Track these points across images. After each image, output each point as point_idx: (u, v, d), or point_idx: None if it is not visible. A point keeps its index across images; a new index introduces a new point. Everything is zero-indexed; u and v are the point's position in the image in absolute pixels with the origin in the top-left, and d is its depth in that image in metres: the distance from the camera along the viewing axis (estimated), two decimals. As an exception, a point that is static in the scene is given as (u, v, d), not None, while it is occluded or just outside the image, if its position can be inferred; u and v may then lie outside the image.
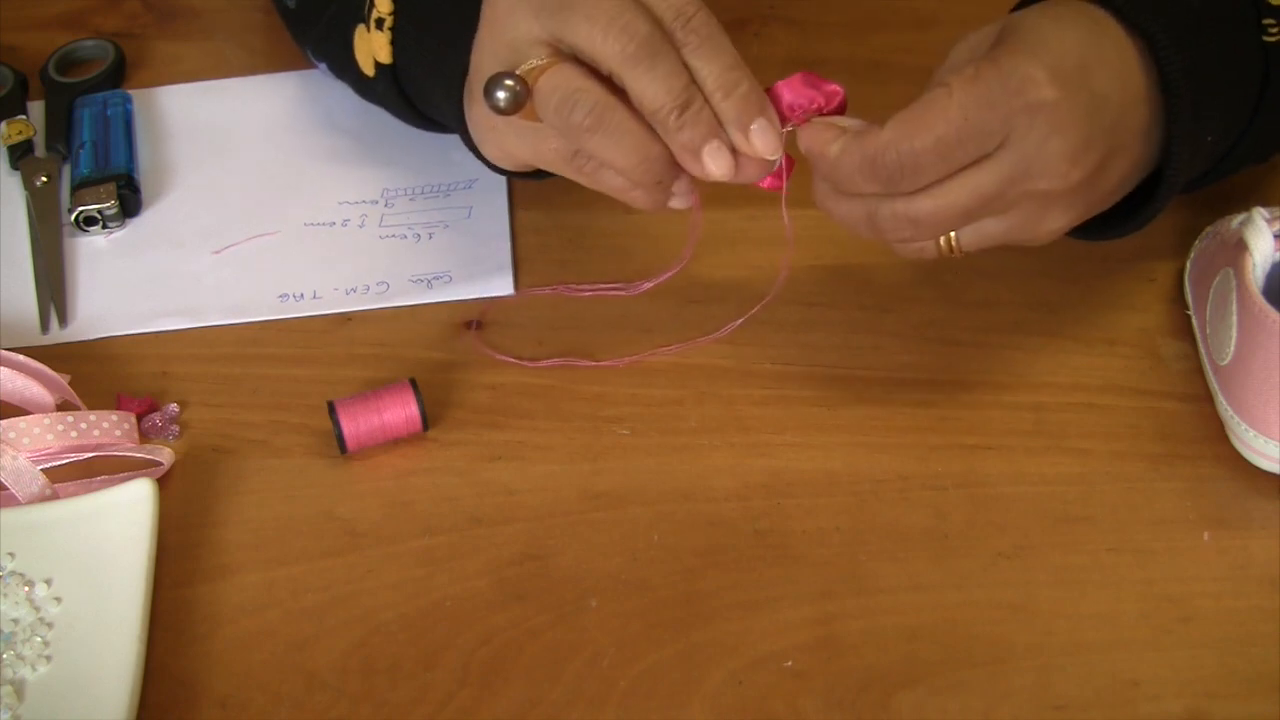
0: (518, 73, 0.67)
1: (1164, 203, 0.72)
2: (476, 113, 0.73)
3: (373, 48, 0.80)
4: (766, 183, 0.70)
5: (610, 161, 0.68)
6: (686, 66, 0.67)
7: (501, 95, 0.66)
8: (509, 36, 0.68)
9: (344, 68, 0.86)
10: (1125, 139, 0.69)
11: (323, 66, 0.89)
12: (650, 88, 0.66)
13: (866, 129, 0.67)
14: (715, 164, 0.67)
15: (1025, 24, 0.68)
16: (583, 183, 0.71)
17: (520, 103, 0.66)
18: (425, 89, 0.80)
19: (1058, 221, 0.69)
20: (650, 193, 0.70)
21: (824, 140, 0.68)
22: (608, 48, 0.66)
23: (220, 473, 0.76)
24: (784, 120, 0.69)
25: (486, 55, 0.70)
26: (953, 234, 0.69)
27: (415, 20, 0.79)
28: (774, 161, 0.69)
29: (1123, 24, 0.69)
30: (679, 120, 0.66)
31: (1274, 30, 0.73)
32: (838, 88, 0.70)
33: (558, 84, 0.67)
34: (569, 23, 0.66)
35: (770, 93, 0.69)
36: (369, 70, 0.82)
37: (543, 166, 0.73)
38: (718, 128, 0.67)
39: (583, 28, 0.66)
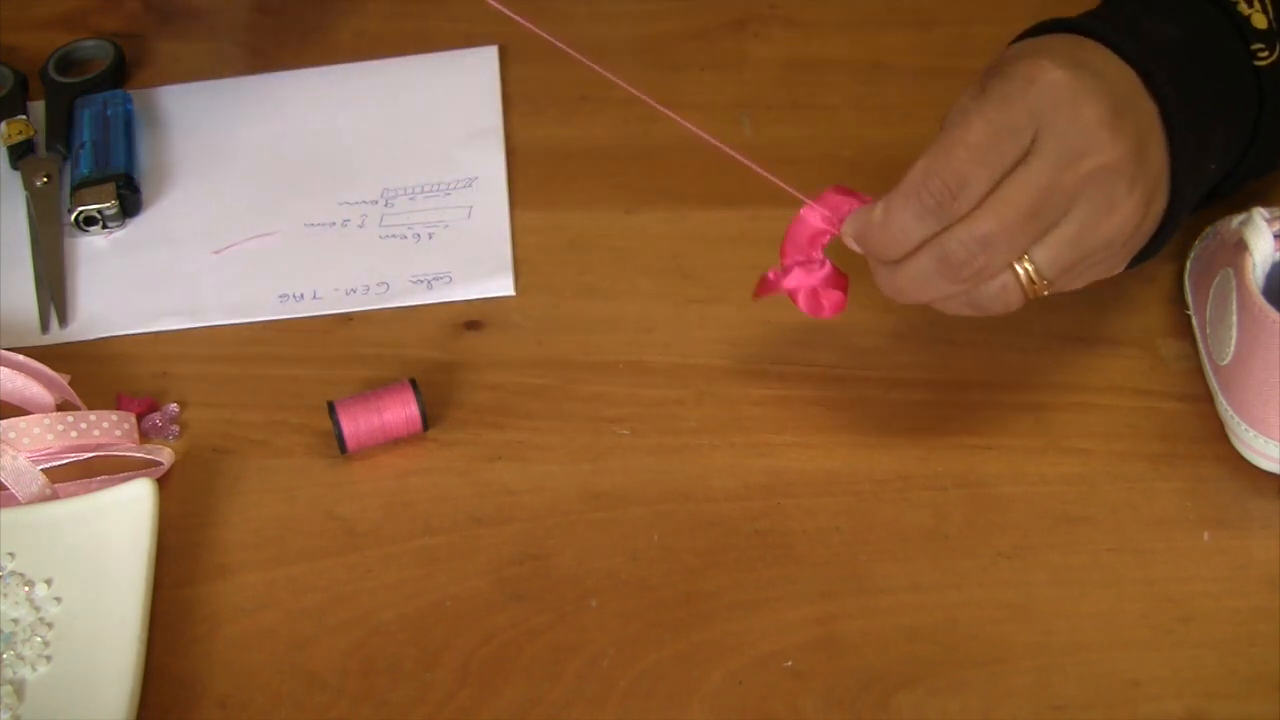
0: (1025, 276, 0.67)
1: (1175, 224, 0.71)
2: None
3: None
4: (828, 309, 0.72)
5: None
6: None
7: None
8: None
9: None
10: (1147, 118, 0.68)
11: None
12: None
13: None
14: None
15: (1008, 52, 0.69)
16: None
17: None
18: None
19: (1125, 204, 0.66)
20: None
21: (865, 215, 0.67)
22: None
23: (220, 473, 0.76)
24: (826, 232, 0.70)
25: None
26: (1029, 264, 0.66)
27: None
28: None
29: (1115, 54, 0.68)
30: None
31: (1263, 55, 0.73)
32: (868, 197, 0.70)
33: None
34: None
35: (817, 204, 0.70)
36: None
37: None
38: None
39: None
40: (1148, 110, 0.68)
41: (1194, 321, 0.78)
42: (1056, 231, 0.66)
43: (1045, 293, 0.67)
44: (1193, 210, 0.75)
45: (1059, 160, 0.65)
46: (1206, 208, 0.78)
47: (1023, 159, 0.65)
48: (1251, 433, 0.71)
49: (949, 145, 0.64)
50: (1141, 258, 0.72)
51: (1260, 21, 0.73)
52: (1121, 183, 0.66)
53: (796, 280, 0.71)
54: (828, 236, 0.70)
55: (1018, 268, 0.66)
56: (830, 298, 0.71)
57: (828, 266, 0.71)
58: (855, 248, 0.69)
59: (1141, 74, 0.68)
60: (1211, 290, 0.75)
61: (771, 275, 0.72)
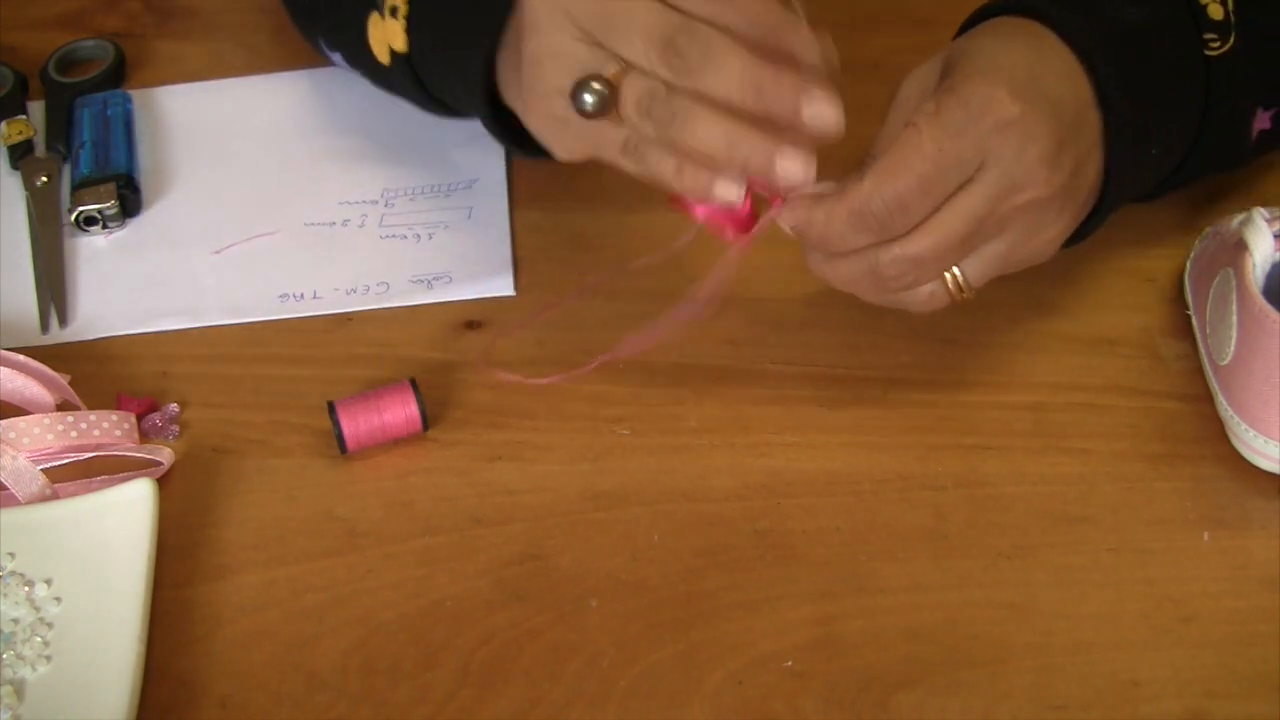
0: (606, 76, 0.68)
1: (1108, 210, 0.73)
2: (540, 109, 0.72)
3: (387, 36, 0.81)
4: (734, 228, 0.71)
5: (696, 149, 0.68)
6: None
7: (589, 99, 0.67)
8: (564, 51, 0.69)
9: (358, 57, 0.86)
10: (1089, 137, 0.70)
11: (336, 56, 0.89)
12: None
13: (844, 187, 0.68)
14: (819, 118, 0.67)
15: (970, 48, 0.70)
16: (632, 170, 0.70)
17: (607, 106, 0.68)
18: (443, 77, 0.80)
19: (1053, 228, 0.70)
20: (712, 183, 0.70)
21: (807, 210, 0.69)
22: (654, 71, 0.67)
23: (220, 473, 0.76)
24: (757, 200, 0.70)
25: (548, 66, 0.70)
26: (957, 271, 0.69)
27: (430, 7, 0.79)
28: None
29: (1060, 38, 0.70)
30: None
31: (1215, 44, 0.74)
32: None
33: (639, 84, 0.67)
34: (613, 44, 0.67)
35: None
36: (384, 59, 0.82)
37: (599, 157, 0.72)
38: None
39: (625, 49, 0.67)
40: (1092, 125, 0.70)
41: (1194, 321, 0.78)
42: (987, 248, 0.70)
43: (970, 297, 0.70)
44: (1152, 196, 0.78)
45: (997, 191, 0.67)
46: (1159, 197, 0.79)
47: (963, 186, 0.67)
48: (1251, 433, 0.71)
49: (897, 170, 0.66)
50: (1090, 228, 0.74)
51: (1216, 12, 0.74)
52: (1051, 211, 0.70)
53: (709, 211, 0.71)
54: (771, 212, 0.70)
55: (947, 275, 0.70)
56: (740, 230, 0.71)
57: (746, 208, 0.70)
58: (788, 232, 0.70)
59: (1081, 54, 0.70)
60: (1211, 290, 0.75)
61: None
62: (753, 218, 0.71)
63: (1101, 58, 0.70)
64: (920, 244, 0.68)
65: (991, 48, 0.70)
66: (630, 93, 0.67)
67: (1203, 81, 0.74)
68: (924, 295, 0.70)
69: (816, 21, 0.96)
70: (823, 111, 0.66)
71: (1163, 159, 0.75)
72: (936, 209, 0.67)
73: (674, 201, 0.71)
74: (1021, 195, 0.68)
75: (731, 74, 0.66)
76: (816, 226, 0.68)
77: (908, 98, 0.72)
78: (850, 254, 0.69)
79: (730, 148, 0.66)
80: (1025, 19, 0.71)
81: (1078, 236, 0.74)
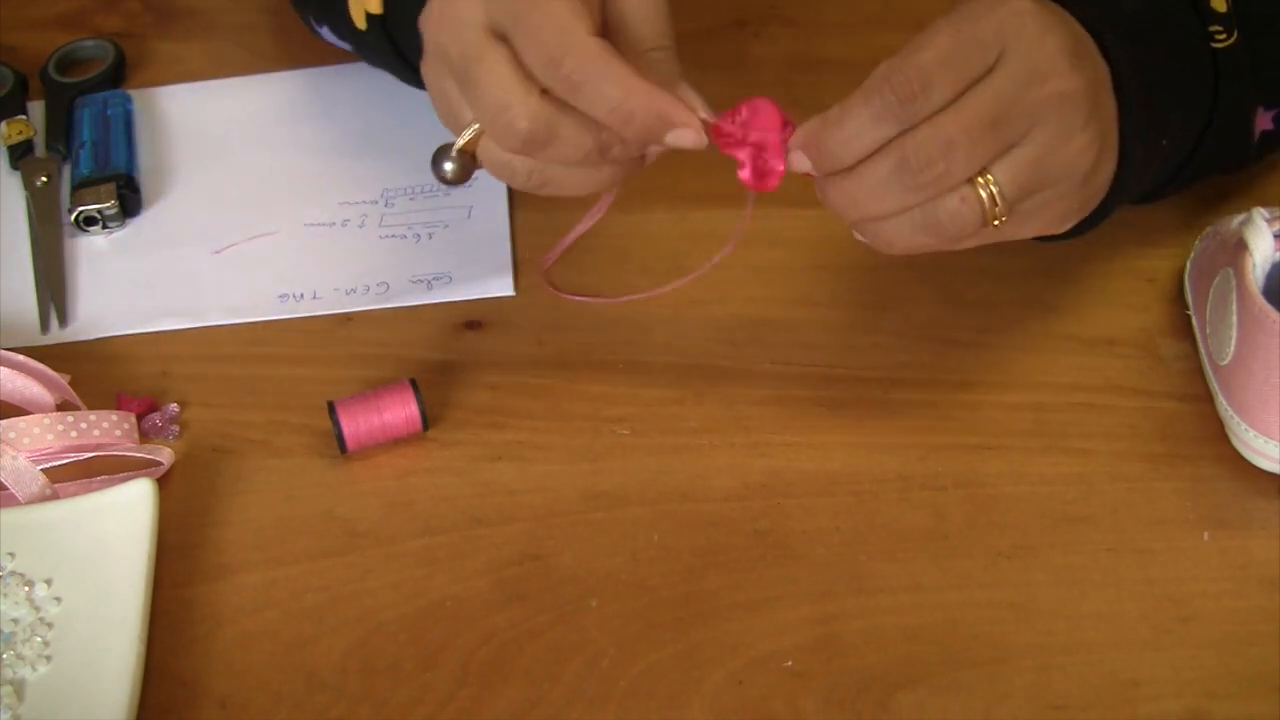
0: (460, 145, 0.67)
1: (1120, 196, 0.71)
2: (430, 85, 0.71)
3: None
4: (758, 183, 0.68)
5: (565, 192, 0.69)
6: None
7: (449, 167, 0.68)
8: (461, 17, 0.67)
9: (340, 26, 0.86)
10: (1100, 73, 0.68)
11: (325, 30, 0.89)
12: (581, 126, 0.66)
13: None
14: (678, 140, 0.67)
15: None
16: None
17: (468, 173, 0.68)
18: (413, 37, 0.79)
19: (1081, 135, 0.66)
20: (612, 172, 0.69)
21: (817, 119, 0.65)
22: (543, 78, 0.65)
23: (220, 473, 0.76)
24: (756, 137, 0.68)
25: (433, 29, 0.68)
26: (990, 180, 0.65)
27: None
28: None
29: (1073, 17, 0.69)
30: (612, 154, 0.67)
31: (1221, 36, 0.74)
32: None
33: (492, 156, 0.67)
34: (516, 35, 0.65)
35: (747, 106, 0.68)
36: (361, 24, 0.82)
37: None
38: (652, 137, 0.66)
39: (525, 47, 0.65)
40: (1101, 67, 0.68)
41: (1194, 321, 0.78)
42: (1017, 150, 0.65)
43: (1001, 221, 0.66)
44: (1152, 199, 0.77)
45: (1023, 77, 0.64)
46: (1165, 197, 0.79)
47: (986, 74, 0.64)
48: (1251, 433, 0.71)
49: (915, 48, 0.64)
50: (1087, 225, 0.72)
51: (1220, 4, 0.74)
52: (1079, 114, 0.66)
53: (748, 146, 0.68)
54: (789, 130, 0.67)
55: (979, 183, 0.65)
56: (777, 167, 0.67)
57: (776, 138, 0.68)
58: (803, 163, 0.66)
59: (1094, 35, 0.68)
60: (1211, 290, 0.75)
61: (724, 125, 0.68)
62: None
63: (1110, 35, 0.69)
64: (949, 124, 0.63)
65: None
66: (487, 160, 0.68)
67: (1210, 71, 0.74)
68: (954, 202, 0.65)
69: (816, 23, 0.97)
70: (682, 135, 0.66)
71: (1171, 148, 0.74)
72: (961, 93, 0.64)
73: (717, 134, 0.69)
74: (1047, 84, 0.64)
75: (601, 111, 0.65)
76: (831, 124, 0.64)
77: None
78: (874, 156, 0.64)
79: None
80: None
81: (1089, 224, 0.71)
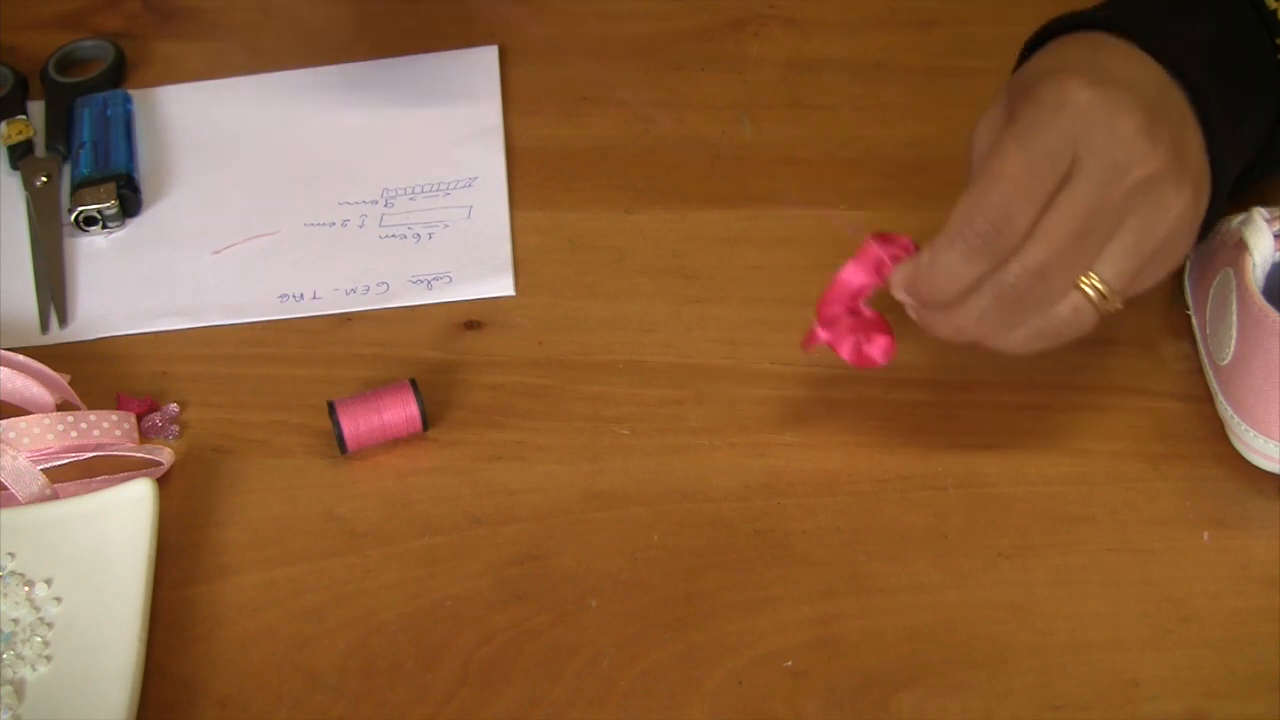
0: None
1: (1220, 211, 0.70)
2: None
3: None
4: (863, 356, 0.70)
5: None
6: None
7: None
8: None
9: None
10: (1178, 110, 0.67)
11: None
12: None
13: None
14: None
15: (1026, 69, 0.68)
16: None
17: None
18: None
19: (1176, 202, 0.65)
20: None
21: (911, 265, 0.66)
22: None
23: (220, 473, 0.76)
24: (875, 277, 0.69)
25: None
26: (1094, 277, 0.65)
27: None
28: None
29: (1115, 36, 0.68)
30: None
31: None
32: (907, 239, 0.69)
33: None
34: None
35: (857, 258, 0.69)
36: None
37: None
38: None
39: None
40: (1178, 104, 0.67)
41: (1194, 321, 0.78)
42: (1115, 243, 0.65)
43: (1119, 305, 0.66)
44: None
45: (1103, 177, 0.64)
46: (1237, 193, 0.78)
47: (1064, 183, 0.64)
48: (1251, 433, 0.71)
49: (988, 181, 0.63)
50: (1205, 229, 0.70)
51: None
52: (1169, 186, 0.65)
53: (840, 333, 0.70)
54: (871, 289, 0.69)
55: (1085, 286, 0.65)
56: (879, 344, 0.70)
57: (870, 314, 0.70)
58: (904, 299, 0.67)
59: (1169, 64, 0.67)
60: (1211, 290, 0.75)
61: (817, 330, 0.70)
62: (883, 322, 0.70)
63: (1187, 59, 0.67)
64: (1037, 252, 0.64)
65: (1047, 60, 0.68)
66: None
67: (1276, 86, 0.72)
68: (1067, 312, 0.66)
69: (816, 23, 0.97)
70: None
71: (1251, 138, 0.73)
72: (1042, 213, 0.64)
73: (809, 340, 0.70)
74: (1128, 176, 0.64)
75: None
76: (924, 270, 0.65)
77: (982, 139, 0.68)
78: (973, 290, 0.65)
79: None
80: (1091, 34, 0.69)
81: (1204, 228, 0.70)
